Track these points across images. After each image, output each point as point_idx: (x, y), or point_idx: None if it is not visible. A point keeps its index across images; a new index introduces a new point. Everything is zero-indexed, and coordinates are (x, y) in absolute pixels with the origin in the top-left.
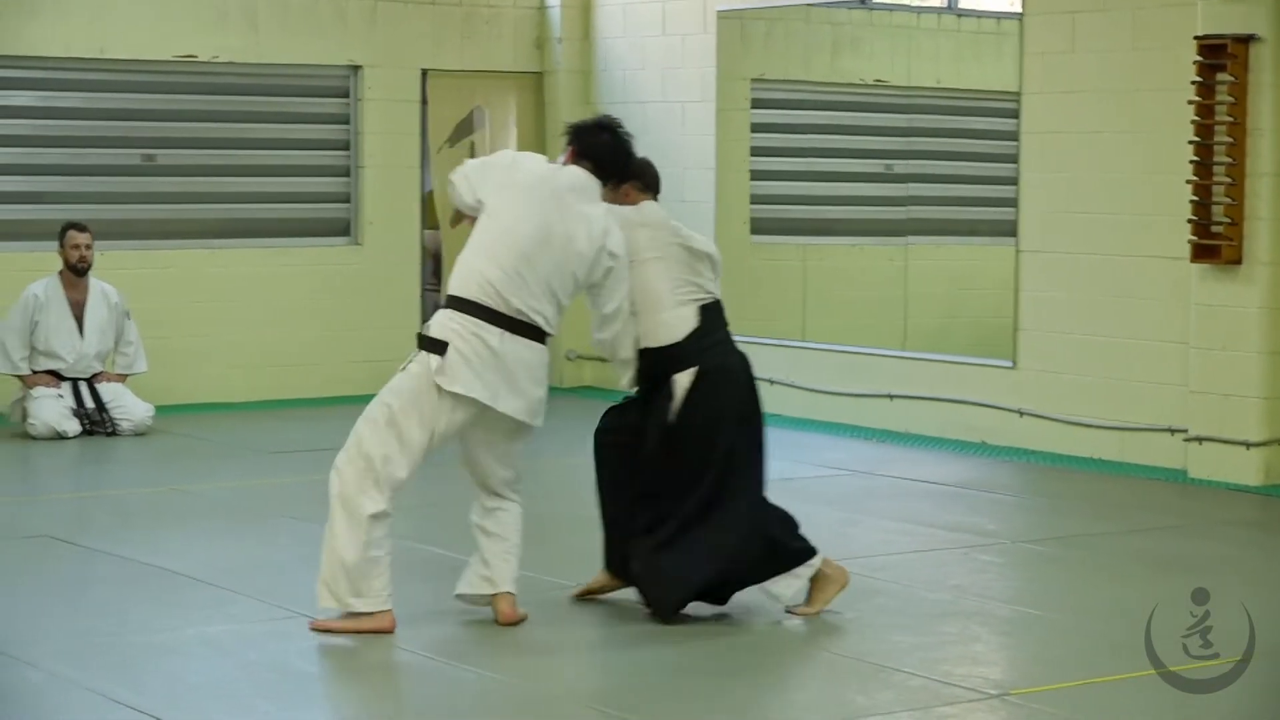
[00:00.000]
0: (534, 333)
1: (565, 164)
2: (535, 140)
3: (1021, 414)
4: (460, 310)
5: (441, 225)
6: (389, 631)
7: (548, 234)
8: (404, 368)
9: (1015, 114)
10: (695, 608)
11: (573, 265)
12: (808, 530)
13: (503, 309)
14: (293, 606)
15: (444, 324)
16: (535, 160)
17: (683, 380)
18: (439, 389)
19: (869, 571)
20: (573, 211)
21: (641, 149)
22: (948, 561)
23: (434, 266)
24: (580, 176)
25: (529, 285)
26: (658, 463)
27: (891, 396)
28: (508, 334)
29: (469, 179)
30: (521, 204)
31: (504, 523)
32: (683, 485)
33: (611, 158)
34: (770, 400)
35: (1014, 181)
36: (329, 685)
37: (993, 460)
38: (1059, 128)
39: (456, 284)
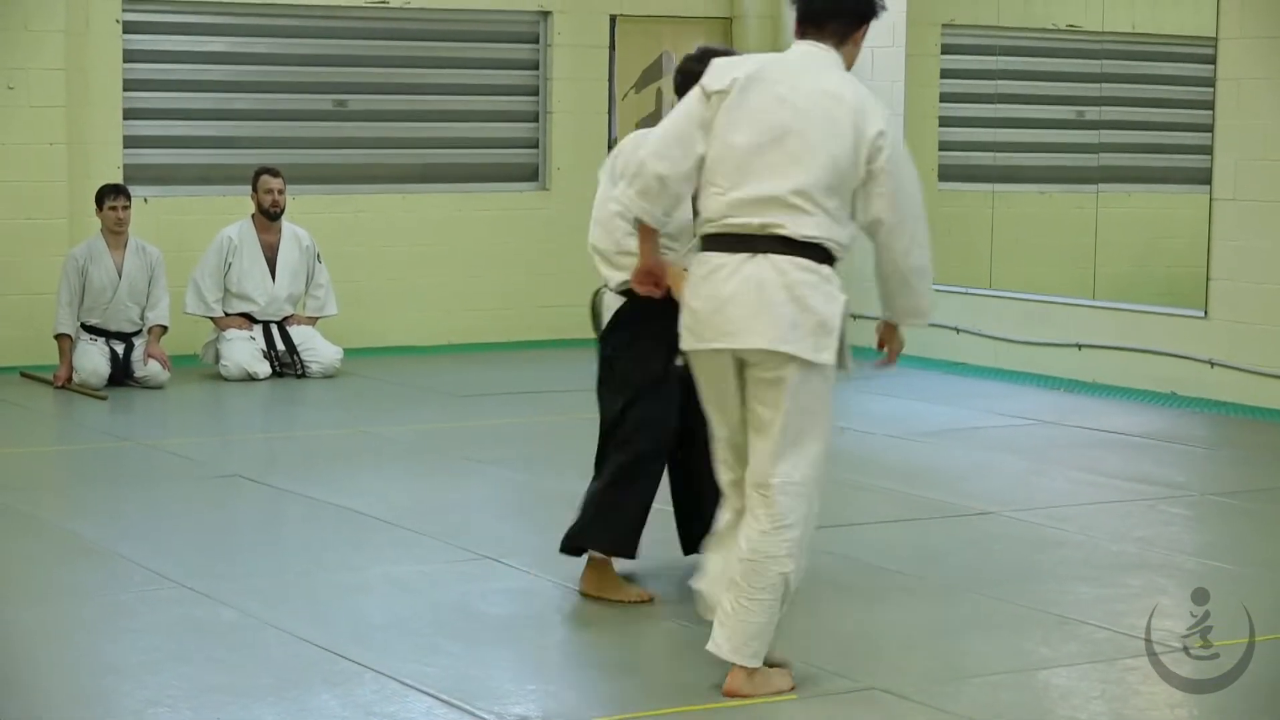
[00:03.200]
0: None
1: None
2: None
3: (1212, 365)
4: None
5: None
6: None
7: None
8: None
9: (1211, 59)
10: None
11: None
12: (992, 480)
13: None
14: (478, 549)
15: None
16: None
17: None
18: None
19: (1053, 522)
20: None
21: None
22: (1134, 513)
23: None
24: None
25: None
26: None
27: (1079, 346)
28: None
29: None
30: None
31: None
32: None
33: None
34: (956, 349)
35: (1209, 128)
36: (514, 628)
37: (1182, 411)
38: (1256, 74)
39: None
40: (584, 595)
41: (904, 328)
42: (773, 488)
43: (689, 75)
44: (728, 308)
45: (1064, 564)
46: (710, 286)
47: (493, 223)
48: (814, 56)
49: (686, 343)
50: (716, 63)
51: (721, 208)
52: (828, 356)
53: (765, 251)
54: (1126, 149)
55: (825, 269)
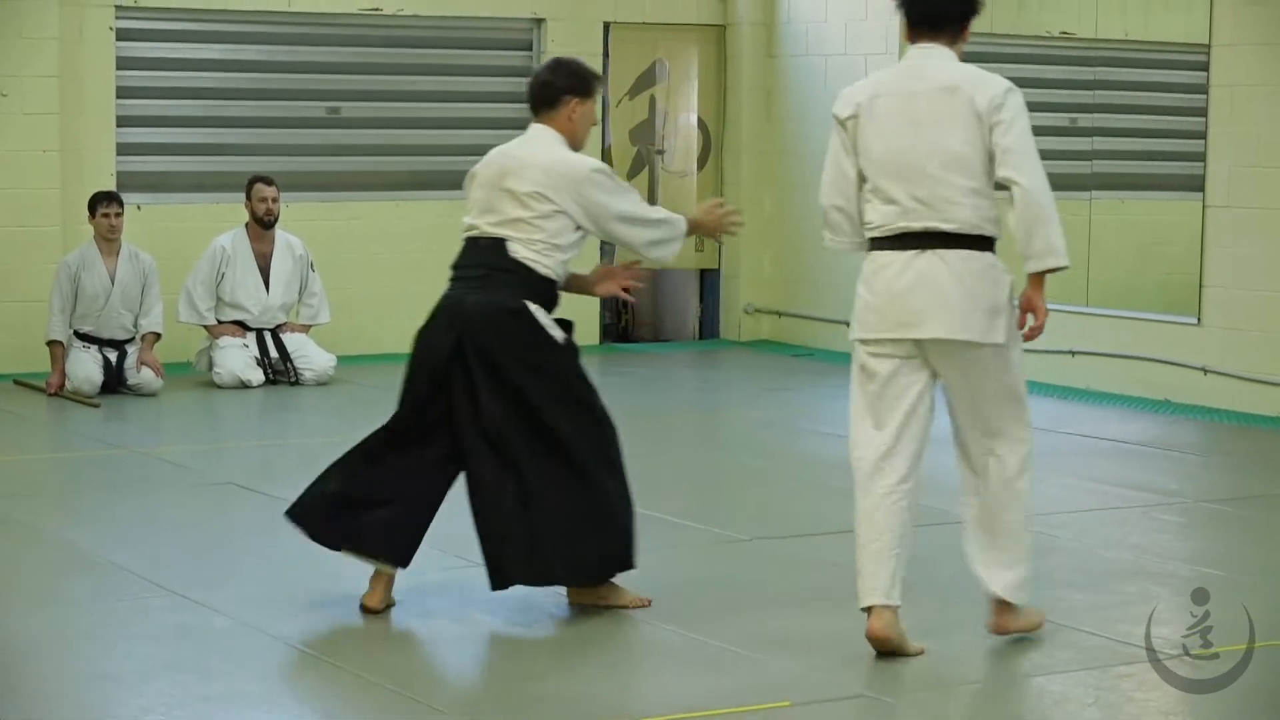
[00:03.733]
0: None
1: None
2: (716, 93)
3: (1206, 372)
4: None
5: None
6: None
7: None
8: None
9: (1204, 67)
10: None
11: None
12: None
13: None
14: (470, 557)
15: None
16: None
17: None
18: None
19: (1048, 529)
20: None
21: (823, 101)
22: (1128, 520)
23: None
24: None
25: None
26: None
27: (1073, 353)
28: None
29: None
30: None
31: None
32: None
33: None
34: None
35: (1202, 136)
36: (510, 635)
37: (1176, 418)
38: (1249, 80)
39: None
40: (577, 604)
41: (1046, 271)
42: (990, 462)
43: (543, 86)
44: (905, 299)
45: (1058, 571)
46: (882, 281)
47: None
48: (926, 57)
49: (859, 332)
50: (843, 93)
51: (885, 215)
52: (999, 336)
53: (931, 248)
54: (1120, 156)
55: (988, 256)
